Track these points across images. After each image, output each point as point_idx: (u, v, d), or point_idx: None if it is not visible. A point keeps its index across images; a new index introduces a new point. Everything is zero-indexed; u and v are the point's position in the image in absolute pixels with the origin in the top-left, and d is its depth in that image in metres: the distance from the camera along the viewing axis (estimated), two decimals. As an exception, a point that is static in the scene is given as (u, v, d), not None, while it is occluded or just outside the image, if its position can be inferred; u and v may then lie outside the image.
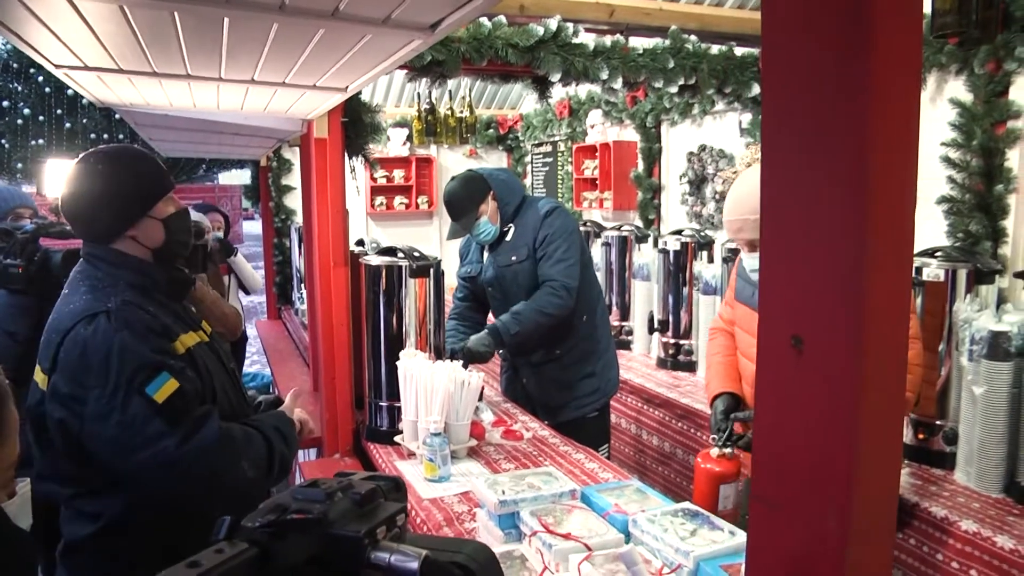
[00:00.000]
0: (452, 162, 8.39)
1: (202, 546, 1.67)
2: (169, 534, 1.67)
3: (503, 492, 1.95)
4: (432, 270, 2.91)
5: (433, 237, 8.23)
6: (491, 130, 8.17)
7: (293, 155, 6.91)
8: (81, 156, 1.71)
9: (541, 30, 3.32)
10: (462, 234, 3.27)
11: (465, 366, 2.81)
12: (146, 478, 1.60)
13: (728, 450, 2.24)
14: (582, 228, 5.16)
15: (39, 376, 1.67)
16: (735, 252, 3.93)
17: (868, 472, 0.63)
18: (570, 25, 3.40)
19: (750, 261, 2.32)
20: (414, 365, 2.69)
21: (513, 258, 3.21)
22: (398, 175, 8.02)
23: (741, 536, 1.72)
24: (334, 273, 3.02)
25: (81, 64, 1.89)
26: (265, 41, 1.45)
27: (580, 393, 3.30)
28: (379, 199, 8.00)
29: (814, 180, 0.63)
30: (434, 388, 2.59)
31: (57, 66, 1.93)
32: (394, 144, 7.69)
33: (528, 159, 8.20)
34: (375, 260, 2.91)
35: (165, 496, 1.64)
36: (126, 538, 1.64)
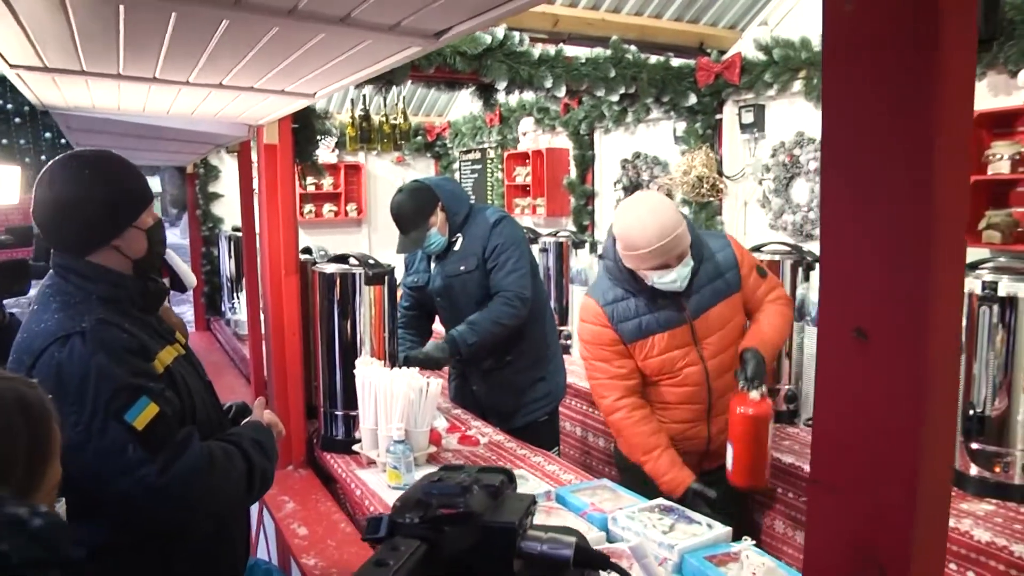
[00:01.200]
0: (380, 169, 8.35)
1: (191, 564, 1.62)
2: (157, 557, 1.62)
3: (481, 496, 1.96)
4: (387, 277, 2.89)
5: (363, 244, 8.16)
6: (419, 137, 8.15)
7: (220, 162, 6.75)
8: (59, 160, 1.62)
9: (489, 38, 3.35)
10: (413, 248, 3.24)
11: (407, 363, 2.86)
12: (128, 506, 1.53)
13: (764, 388, 2.31)
14: (521, 235, 5.20)
15: None
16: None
17: (932, 451, 0.68)
18: (516, 34, 3.44)
19: (672, 274, 2.35)
20: (372, 373, 2.67)
21: (462, 268, 3.21)
22: (327, 182, 7.92)
23: (719, 528, 1.78)
24: (286, 282, 2.97)
25: (42, 65, 1.82)
26: (255, 45, 1.43)
27: (531, 398, 3.33)
28: (308, 207, 7.89)
29: (880, 176, 0.68)
30: (394, 395, 2.58)
31: (12, 66, 1.85)
32: (322, 150, 7.58)
33: (456, 166, 8.22)
34: (329, 268, 2.88)
35: (147, 521, 1.58)
36: (114, 563, 1.57)
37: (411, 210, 3.16)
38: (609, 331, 2.50)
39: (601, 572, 0.65)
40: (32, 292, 3.90)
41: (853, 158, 0.69)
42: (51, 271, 1.67)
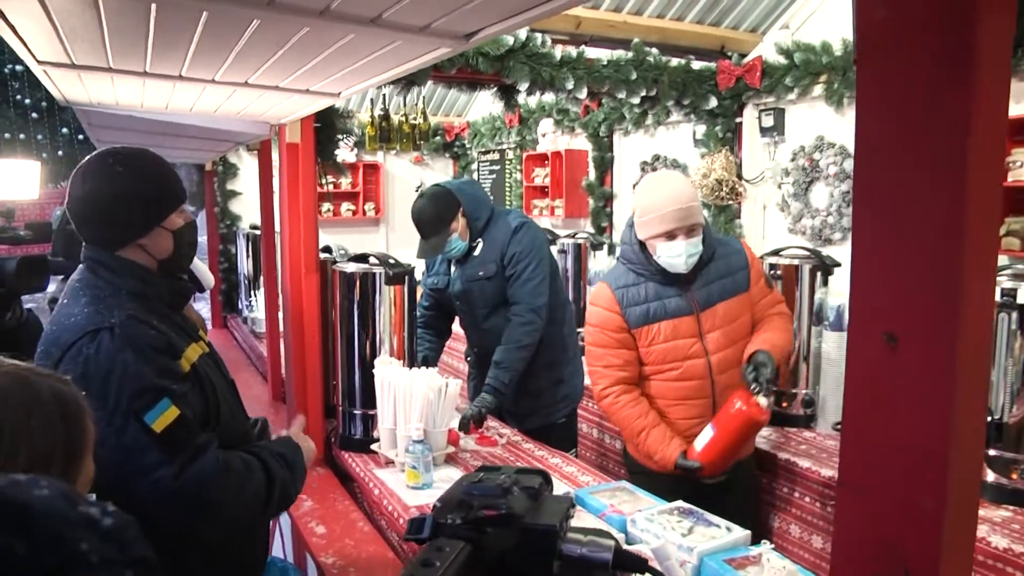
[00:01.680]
0: (399, 168, 8.39)
1: (210, 565, 1.61)
2: (175, 558, 1.62)
3: (500, 495, 1.96)
4: (407, 277, 2.90)
5: (380, 244, 8.19)
6: (438, 137, 8.18)
7: (239, 159, 6.79)
8: (96, 154, 1.64)
9: (511, 39, 3.36)
10: (433, 254, 3.22)
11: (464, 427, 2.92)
12: (143, 506, 1.53)
13: (772, 398, 2.35)
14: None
15: None
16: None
17: (961, 454, 0.68)
18: (539, 35, 3.45)
19: (680, 246, 2.41)
20: (391, 373, 2.68)
21: (481, 273, 3.20)
22: (345, 181, 7.97)
23: (738, 531, 1.78)
24: (306, 280, 2.99)
25: (69, 62, 1.84)
26: (284, 45, 1.44)
27: (549, 400, 3.32)
28: (326, 205, 7.93)
29: (912, 179, 0.68)
30: (413, 395, 2.59)
31: (40, 62, 1.87)
32: (341, 149, 7.62)
33: (475, 167, 8.24)
34: (350, 267, 2.89)
35: (159, 524, 1.57)
36: None
37: (432, 216, 3.14)
38: (617, 317, 2.53)
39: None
40: (50, 288, 3.93)
41: (885, 162, 0.70)
42: (82, 265, 1.68)
